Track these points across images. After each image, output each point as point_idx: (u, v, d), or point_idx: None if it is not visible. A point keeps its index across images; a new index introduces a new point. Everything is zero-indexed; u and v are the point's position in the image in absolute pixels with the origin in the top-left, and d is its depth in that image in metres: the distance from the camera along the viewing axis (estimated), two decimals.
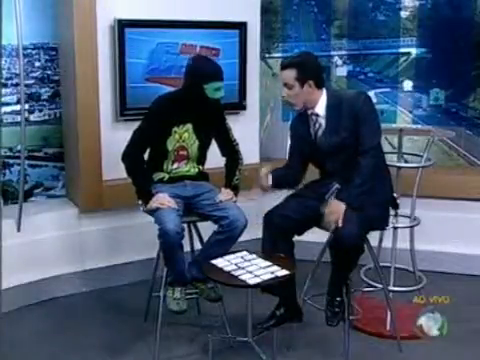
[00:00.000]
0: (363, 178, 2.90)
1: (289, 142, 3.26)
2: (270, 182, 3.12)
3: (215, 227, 3.18)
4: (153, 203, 3.11)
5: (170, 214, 3.03)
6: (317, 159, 3.14)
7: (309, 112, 3.05)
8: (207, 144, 3.35)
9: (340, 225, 2.85)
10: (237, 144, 3.40)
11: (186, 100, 3.19)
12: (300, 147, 3.13)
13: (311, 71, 3.00)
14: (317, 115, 3.04)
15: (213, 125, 3.31)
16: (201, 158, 3.36)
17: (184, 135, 3.23)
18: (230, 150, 3.39)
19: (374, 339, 3.37)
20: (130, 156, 3.23)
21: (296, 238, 3.12)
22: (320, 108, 3.03)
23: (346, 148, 2.97)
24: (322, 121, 3.03)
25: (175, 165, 3.29)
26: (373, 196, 2.98)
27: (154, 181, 3.28)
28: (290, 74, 2.98)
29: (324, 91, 3.04)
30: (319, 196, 3.07)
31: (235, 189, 3.31)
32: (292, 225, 3.04)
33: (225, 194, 3.25)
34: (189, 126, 3.24)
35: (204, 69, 3.17)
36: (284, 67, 3.02)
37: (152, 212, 3.15)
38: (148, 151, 3.29)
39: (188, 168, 3.32)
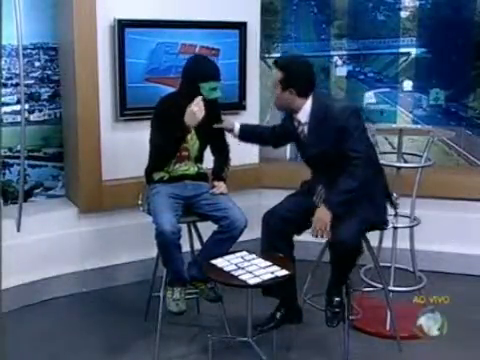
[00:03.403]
0: (349, 186, 2.89)
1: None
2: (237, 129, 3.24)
3: (215, 227, 3.18)
4: (191, 112, 3.08)
5: (167, 214, 3.04)
6: (304, 161, 3.16)
7: (293, 115, 3.05)
8: (206, 144, 3.37)
9: (326, 236, 2.89)
10: (228, 145, 3.43)
11: (184, 102, 3.18)
12: (284, 132, 3.19)
13: (296, 79, 2.95)
14: (299, 122, 3.03)
15: (211, 126, 3.31)
16: (200, 158, 3.37)
17: (186, 137, 3.23)
18: (222, 151, 3.42)
19: (374, 339, 3.38)
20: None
21: (296, 238, 3.12)
22: (303, 115, 3.00)
23: (327, 157, 2.95)
24: (305, 128, 3.02)
25: (176, 165, 3.30)
26: (369, 197, 2.98)
27: (154, 180, 3.28)
28: (276, 75, 2.99)
29: (309, 99, 2.99)
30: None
31: (224, 182, 3.34)
32: (291, 225, 3.04)
33: (222, 187, 3.28)
34: None
35: (200, 68, 3.18)
36: (275, 65, 3.03)
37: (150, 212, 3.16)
38: (149, 152, 3.29)
39: (188, 167, 3.33)
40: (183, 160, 3.30)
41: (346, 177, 2.89)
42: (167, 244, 3.01)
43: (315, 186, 3.08)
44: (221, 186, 3.29)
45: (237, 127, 3.30)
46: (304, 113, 3.00)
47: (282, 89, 2.96)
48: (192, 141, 3.28)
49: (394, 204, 3.27)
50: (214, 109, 3.30)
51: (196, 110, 3.06)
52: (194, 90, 3.13)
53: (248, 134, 3.35)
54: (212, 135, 3.34)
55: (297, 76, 2.97)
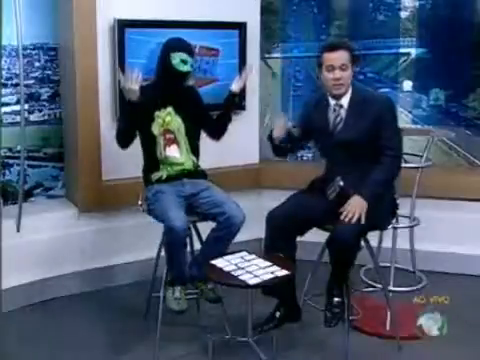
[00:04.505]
0: (383, 176, 2.95)
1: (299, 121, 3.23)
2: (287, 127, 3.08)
3: (214, 225, 3.19)
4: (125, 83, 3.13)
5: (176, 210, 3.04)
6: (327, 151, 3.13)
7: (333, 102, 3.04)
8: (194, 129, 3.36)
9: (363, 222, 2.85)
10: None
11: (161, 83, 3.28)
12: (314, 132, 3.13)
13: (357, 56, 3.03)
14: (341, 106, 3.03)
15: (192, 108, 3.35)
16: (192, 147, 3.35)
17: (167, 118, 3.27)
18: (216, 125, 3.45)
19: (374, 339, 3.37)
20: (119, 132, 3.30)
21: (297, 238, 3.11)
22: (345, 100, 3.02)
23: (359, 146, 2.97)
24: (343, 114, 3.02)
25: (167, 151, 3.29)
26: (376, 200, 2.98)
27: (153, 181, 3.29)
28: (345, 55, 2.97)
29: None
30: (320, 195, 3.07)
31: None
32: (294, 225, 3.03)
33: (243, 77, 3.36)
34: (170, 109, 3.28)
35: (171, 41, 3.29)
36: (338, 47, 2.99)
37: (152, 212, 3.17)
38: (142, 152, 3.35)
39: (183, 159, 3.32)
40: (171, 143, 3.30)
41: (380, 169, 2.94)
42: (177, 241, 3.00)
43: (329, 182, 3.04)
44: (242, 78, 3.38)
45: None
46: (346, 97, 3.02)
47: (352, 68, 2.99)
48: (175, 123, 3.29)
49: (396, 208, 3.27)
50: (194, 94, 3.41)
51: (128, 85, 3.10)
52: (165, 63, 3.22)
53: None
54: (197, 119, 3.37)
55: (356, 53, 3.04)
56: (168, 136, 3.29)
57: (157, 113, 3.27)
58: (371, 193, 2.91)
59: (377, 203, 2.93)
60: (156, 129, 3.27)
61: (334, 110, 3.05)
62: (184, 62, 3.22)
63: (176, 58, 3.20)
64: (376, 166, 2.95)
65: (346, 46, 3.02)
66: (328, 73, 2.99)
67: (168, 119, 3.27)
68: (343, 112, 3.02)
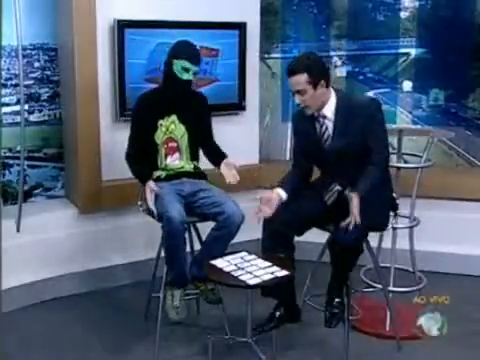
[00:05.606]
0: (375, 176, 2.92)
1: (293, 139, 3.23)
2: (284, 198, 3.04)
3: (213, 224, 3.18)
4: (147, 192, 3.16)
5: (175, 204, 3.04)
6: (319, 160, 3.12)
7: (316, 114, 3.00)
8: (196, 136, 3.36)
9: (358, 221, 2.79)
10: (219, 146, 3.43)
11: (166, 91, 3.27)
12: (305, 144, 3.10)
13: (320, 71, 2.93)
14: (325, 117, 3.00)
15: (197, 117, 3.34)
16: (193, 153, 3.36)
17: (171, 127, 3.27)
18: (213, 147, 3.43)
19: (374, 339, 3.37)
20: (130, 157, 3.32)
21: (296, 238, 3.11)
22: (328, 110, 2.98)
23: (351, 153, 2.95)
24: (329, 124, 2.99)
25: (168, 159, 3.30)
26: (374, 197, 2.98)
27: (153, 179, 3.28)
28: (301, 79, 2.88)
29: (332, 92, 3.00)
30: (318, 197, 3.06)
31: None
32: (291, 226, 3.02)
33: (232, 167, 3.26)
34: (174, 117, 3.28)
35: (177, 46, 3.25)
36: (293, 73, 2.91)
37: (151, 212, 3.17)
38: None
39: (182, 164, 3.33)
40: (174, 152, 3.30)
41: (374, 170, 2.91)
42: (175, 232, 2.99)
43: (326, 185, 3.03)
44: (230, 163, 3.26)
45: (284, 195, 3.05)
46: (330, 106, 2.98)
47: (313, 88, 2.89)
48: (179, 132, 3.29)
49: (395, 207, 3.26)
50: (203, 104, 3.39)
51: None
52: (168, 68, 3.21)
53: (295, 192, 3.12)
54: (201, 132, 3.37)
55: (319, 67, 2.94)
56: (171, 144, 3.29)
57: (161, 122, 3.26)
58: (365, 191, 2.86)
59: (370, 201, 2.88)
60: (159, 138, 3.28)
61: (319, 122, 3.03)
62: (186, 70, 3.18)
63: (178, 65, 3.17)
64: (368, 166, 2.91)
65: (302, 68, 2.87)
66: (293, 96, 2.98)
67: (172, 127, 3.27)
68: (328, 122, 3.00)
